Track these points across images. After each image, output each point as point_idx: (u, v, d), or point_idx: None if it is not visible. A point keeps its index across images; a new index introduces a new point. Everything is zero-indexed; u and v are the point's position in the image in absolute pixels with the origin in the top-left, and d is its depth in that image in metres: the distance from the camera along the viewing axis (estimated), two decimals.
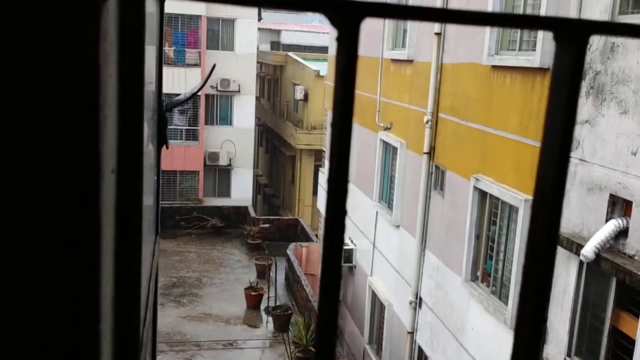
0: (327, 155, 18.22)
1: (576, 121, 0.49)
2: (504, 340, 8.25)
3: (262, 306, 18.25)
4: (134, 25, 0.69)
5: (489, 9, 8.74)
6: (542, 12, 7.51)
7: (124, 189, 0.69)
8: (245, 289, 18.41)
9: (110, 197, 0.63)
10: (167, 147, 1.78)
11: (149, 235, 1.50)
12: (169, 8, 26.68)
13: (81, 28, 0.47)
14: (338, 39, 0.40)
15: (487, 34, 8.78)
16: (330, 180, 0.43)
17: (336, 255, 0.43)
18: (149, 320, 1.40)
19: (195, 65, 25.96)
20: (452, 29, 10.16)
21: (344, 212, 0.44)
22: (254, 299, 18.19)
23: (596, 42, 6.63)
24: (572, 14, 6.95)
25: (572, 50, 0.45)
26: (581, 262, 6.68)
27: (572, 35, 0.45)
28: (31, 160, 0.48)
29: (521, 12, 8.27)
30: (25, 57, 0.47)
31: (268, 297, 18.07)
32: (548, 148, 0.46)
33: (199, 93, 25.79)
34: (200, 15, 25.89)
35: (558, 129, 0.46)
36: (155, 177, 1.75)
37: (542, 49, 7.49)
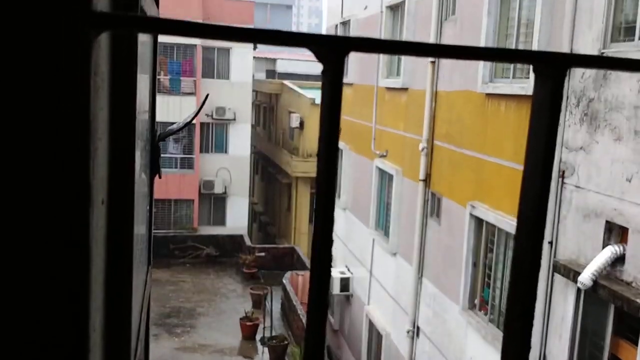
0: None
1: (556, 148, 0.48)
2: None
3: (258, 337, 18.04)
4: (126, 60, 0.68)
5: (482, 37, 8.84)
6: (535, 40, 7.60)
7: (115, 220, 0.68)
8: (240, 319, 18.21)
9: (101, 227, 0.62)
10: (159, 177, 1.76)
11: (141, 266, 1.48)
12: (164, 37, 27.04)
13: (72, 63, 0.47)
14: (323, 72, 0.40)
15: (481, 62, 8.87)
16: (317, 212, 0.42)
17: (323, 288, 0.42)
18: (140, 351, 1.36)
19: (191, 93, 26.09)
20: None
21: (330, 240, 0.43)
22: (249, 330, 17.98)
23: (589, 69, 6.69)
24: (565, 41, 7.03)
25: (550, 83, 0.45)
26: (579, 290, 6.64)
27: (551, 68, 0.45)
28: (21, 191, 0.47)
29: (514, 39, 8.37)
30: (17, 90, 0.47)
31: (264, 327, 17.87)
32: (529, 177, 0.46)
33: (194, 121, 25.88)
34: (196, 45, 26.13)
35: (539, 159, 0.46)
36: (148, 207, 1.73)
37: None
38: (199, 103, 25.90)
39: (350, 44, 0.42)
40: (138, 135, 1.38)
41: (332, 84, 0.41)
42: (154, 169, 1.69)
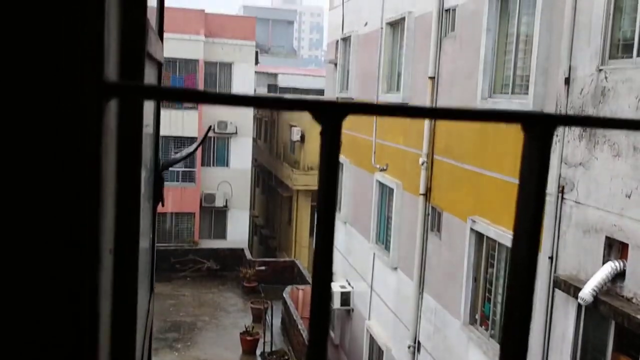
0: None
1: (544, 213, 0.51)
2: None
3: (258, 351, 17.96)
4: (133, 121, 0.72)
5: (482, 54, 8.90)
6: (534, 56, 7.65)
7: (121, 265, 0.70)
8: (240, 333, 18.15)
9: (108, 277, 0.64)
10: (162, 205, 1.80)
11: (144, 294, 1.50)
12: (166, 53, 27.07)
13: (84, 129, 0.50)
14: (321, 133, 0.43)
15: (480, 77, 8.93)
16: (314, 270, 0.45)
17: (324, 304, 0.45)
18: None
19: (193, 108, 26.19)
20: (446, 73, 10.32)
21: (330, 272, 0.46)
22: (249, 344, 17.91)
23: (587, 85, 6.74)
24: (563, 58, 7.09)
25: (538, 142, 0.48)
26: (579, 305, 6.64)
27: (539, 128, 0.48)
28: (37, 247, 0.50)
29: (513, 55, 8.43)
30: (32, 148, 0.50)
31: (264, 342, 17.80)
32: (519, 233, 0.49)
33: (195, 135, 25.96)
34: (198, 60, 26.27)
35: (527, 219, 0.48)
36: (151, 236, 1.76)
37: (534, 93, 7.60)
38: (201, 117, 26.01)
39: (348, 108, 0.45)
40: (143, 165, 1.41)
41: (330, 145, 0.44)
42: (157, 197, 1.72)
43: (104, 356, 0.65)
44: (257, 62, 28.61)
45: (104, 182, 0.54)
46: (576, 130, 6.89)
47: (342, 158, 15.68)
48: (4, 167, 0.50)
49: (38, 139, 0.49)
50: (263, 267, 23.58)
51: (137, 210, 0.78)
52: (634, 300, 6.00)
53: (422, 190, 10.84)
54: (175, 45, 25.20)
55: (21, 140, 0.50)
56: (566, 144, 7.06)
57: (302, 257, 26.02)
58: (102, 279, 0.56)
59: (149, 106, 1.49)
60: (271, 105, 0.43)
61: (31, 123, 0.49)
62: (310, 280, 21.70)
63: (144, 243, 1.43)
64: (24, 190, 0.51)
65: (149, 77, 1.29)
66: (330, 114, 0.44)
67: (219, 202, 27.13)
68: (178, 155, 2.88)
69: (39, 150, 0.50)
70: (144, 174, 1.36)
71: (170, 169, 26.57)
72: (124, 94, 0.46)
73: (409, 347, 11.16)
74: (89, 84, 0.49)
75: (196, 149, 2.81)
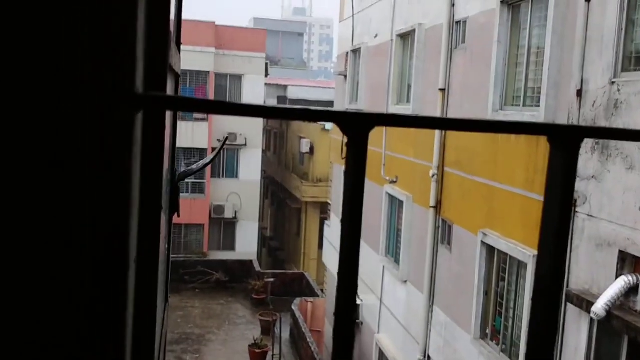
0: (332, 212, 18.05)
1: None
2: None
3: None
4: (156, 132, 0.72)
5: (492, 66, 8.88)
6: (545, 68, 7.63)
7: (142, 277, 0.70)
8: (249, 346, 18.09)
9: (132, 284, 0.64)
10: (178, 216, 1.79)
11: (160, 304, 1.49)
12: None
13: (116, 140, 0.51)
14: (348, 145, 0.43)
15: (491, 89, 8.90)
16: (340, 276, 0.44)
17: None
18: None
19: (203, 120, 26.32)
20: (456, 85, 10.31)
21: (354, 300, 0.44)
22: (258, 357, 17.84)
23: (599, 98, 6.70)
24: (575, 70, 7.06)
25: (564, 154, 0.47)
26: (592, 320, 6.56)
27: (565, 140, 0.47)
28: (69, 256, 0.50)
29: (524, 67, 8.40)
30: (65, 160, 0.51)
31: (273, 355, 17.72)
32: (544, 246, 0.47)
33: (206, 146, 26.06)
34: (209, 72, 26.43)
35: (552, 232, 0.47)
36: (167, 245, 1.75)
37: (546, 105, 7.57)
38: (212, 129, 26.12)
39: (375, 119, 0.44)
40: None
41: (356, 156, 0.43)
42: (173, 207, 1.71)
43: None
44: (267, 74, 28.75)
45: (133, 193, 0.54)
46: (589, 143, 6.85)
47: None
48: (41, 178, 0.51)
49: (71, 150, 0.51)
50: (272, 279, 23.54)
51: (157, 220, 0.78)
52: None
53: (432, 202, 10.79)
54: (186, 57, 25.33)
55: (54, 151, 0.51)
56: (579, 156, 7.01)
57: (311, 269, 25.95)
58: (129, 287, 0.56)
59: (167, 118, 1.49)
60: (298, 117, 0.42)
61: (66, 133, 0.50)
62: (318, 292, 21.62)
63: (161, 254, 1.42)
64: (60, 202, 0.51)
65: (169, 88, 1.29)
66: (357, 125, 0.43)
67: (228, 214, 27.17)
68: (194, 166, 2.89)
69: (73, 161, 0.51)
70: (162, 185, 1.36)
71: None
72: (153, 105, 0.46)
73: None
74: (122, 96, 0.50)
75: (213, 159, 2.81)
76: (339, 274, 0.45)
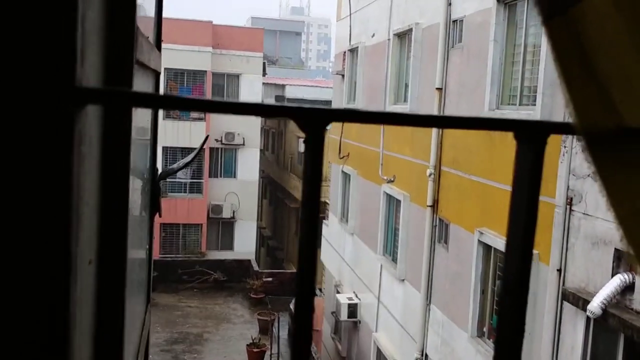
0: (330, 211, 18.04)
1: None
2: None
3: None
4: (120, 129, 0.70)
5: (489, 65, 8.89)
6: (542, 67, 7.63)
7: (105, 278, 0.69)
8: (247, 345, 18.09)
9: (88, 286, 0.63)
10: (160, 216, 1.79)
11: (138, 306, 1.49)
12: (175, 64, 27.03)
13: (54, 138, 0.49)
14: (305, 141, 0.42)
15: (488, 88, 8.91)
16: (299, 265, 0.44)
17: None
18: None
19: (200, 119, 26.30)
20: (453, 84, 10.31)
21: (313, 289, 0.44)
22: (256, 356, 17.85)
23: None
24: None
25: (531, 150, 0.47)
26: (588, 318, 6.57)
27: (531, 136, 0.47)
28: (4, 255, 0.49)
29: (520, 66, 8.41)
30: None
31: (271, 354, 17.74)
32: (512, 241, 0.48)
33: (204, 146, 26.03)
34: (206, 71, 26.41)
35: (519, 227, 0.47)
36: (148, 246, 1.75)
37: (542, 104, 7.57)
38: (209, 128, 26.10)
39: (330, 115, 0.44)
40: (139, 175, 1.40)
41: (313, 153, 0.43)
42: (154, 208, 1.71)
43: None
44: (264, 74, 28.73)
45: (80, 190, 0.53)
46: (586, 161, 6.85)
47: (350, 169, 15.67)
48: None
49: (2, 143, 0.48)
50: (270, 279, 23.54)
51: (124, 221, 0.77)
52: None
53: (429, 202, 10.80)
54: (183, 57, 25.37)
55: None
56: (574, 155, 7.02)
57: None
58: (79, 289, 0.54)
59: (145, 116, 1.48)
60: (252, 112, 0.42)
61: None
62: (317, 292, 21.63)
63: (139, 253, 1.42)
64: None
65: (144, 85, 1.28)
66: (313, 121, 0.43)
67: (226, 213, 27.15)
68: (175, 166, 2.89)
69: (5, 155, 0.49)
70: (140, 184, 1.35)
71: (178, 180, 26.67)
72: (98, 100, 0.45)
73: None
74: (58, 89, 0.48)
75: (193, 158, 2.81)
76: (297, 271, 0.45)
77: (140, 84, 1.20)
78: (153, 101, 0.40)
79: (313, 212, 0.43)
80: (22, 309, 0.50)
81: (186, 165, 2.89)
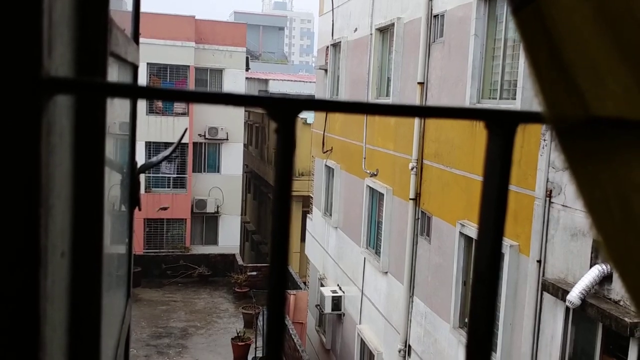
0: (314, 206, 18.02)
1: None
2: None
3: (250, 356, 17.91)
4: (93, 120, 0.71)
5: (470, 59, 8.96)
6: (521, 61, 7.71)
7: (80, 271, 0.70)
8: (232, 339, 18.10)
9: (61, 279, 0.64)
10: (139, 209, 1.80)
11: (118, 300, 1.50)
12: (157, 58, 26.78)
13: (20, 129, 0.49)
14: (276, 131, 0.44)
15: (469, 82, 8.98)
16: (271, 271, 0.45)
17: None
18: None
19: (183, 114, 26.16)
20: (434, 78, 10.38)
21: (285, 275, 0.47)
22: (241, 350, 17.86)
23: None
24: None
25: (501, 139, 0.48)
26: (567, 308, 6.67)
27: (501, 125, 0.48)
28: None
29: (501, 60, 8.48)
30: None
31: (255, 347, 17.76)
32: (483, 235, 0.49)
33: (187, 141, 25.91)
34: (189, 66, 26.25)
35: (490, 216, 0.48)
36: (127, 240, 1.76)
37: (522, 98, 7.66)
38: (192, 123, 25.97)
39: (301, 104, 0.46)
40: (118, 168, 1.42)
41: (285, 142, 0.45)
42: (134, 201, 1.72)
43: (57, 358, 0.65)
44: (247, 68, 28.62)
45: (50, 182, 0.53)
46: (556, 150, 6.94)
47: (333, 163, 15.70)
48: None
49: None
50: (254, 273, 23.53)
51: (99, 213, 0.77)
52: (621, 303, 6.04)
53: (411, 195, 10.87)
54: (165, 51, 25.19)
55: None
56: (554, 147, 7.11)
57: (293, 262, 25.96)
58: (51, 282, 0.55)
59: (123, 109, 1.49)
60: (224, 101, 0.43)
61: None
62: (301, 285, 21.67)
63: (118, 247, 1.43)
64: None
65: (121, 78, 1.29)
66: (284, 110, 0.44)
67: (210, 208, 27.07)
68: (154, 159, 2.90)
69: None
70: (118, 177, 1.37)
71: (162, 175, 26.51)
72: (66, 89, 0.45)
73: (399, 351, 11.17)
74: (23, 79, 0.48)
75: (173, 151, 2.82)
76: (270, 261, 0.47)
77: (117, 77, 1.21)
78: (121, 91, 0.42)
79: (285, 201, 0.44)
80: None
81: (166, 158, 2.89)
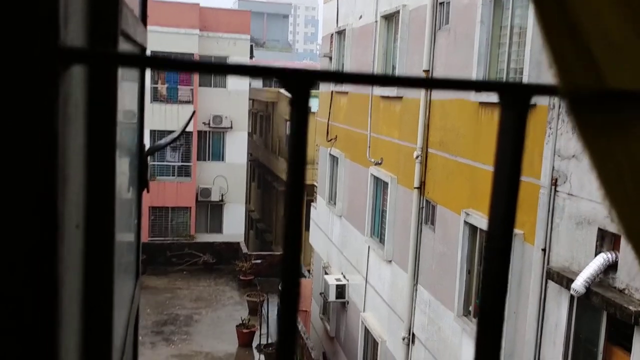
0: (318, 194, 18.05)
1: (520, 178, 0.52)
2: None
3: (254, 344, 18.02)
4: (105, 89, 0.71)
5: (475, 46, 8.90)
6: (527, 48, 7.67)
7: (93, 243, 0.70)
8: (237, 326, 18.20)
9: (76, 251, 0.64)
10: (147, 191, 1.80)
11: (128, 280, 1.51)
12: (161, 47, 26.76)
13: (38, 99, 0.49)
14: (290, 103, 0.44)
15: (475, 69, 8.93)
16: (285, 234, 0.45)
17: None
18: None
19: (188, 102, 26.14)
20: (440, 65, 10.33)
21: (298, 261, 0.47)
22: (245, 337, 17.96)
23: None
24: None
25: (515, 112, 0.47)
26: (572, 297, 6.68)
27: (515, 98, 0.47)
28: None
29: (507, 47, 8.43)
30: None
31: (260, 335, 17.85)
32: (495, 208, 0.49)
33: (191, 130, 25.92)
34: (193, 54, 26.20)
35: (503, 188, 0.48)
36: (136, 220, 1.76)
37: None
38: (197, 111, 25.96)
39: (316, 75, 0.45)
40: (127, 149, 1.42)
41: (299, 114, 0.44)
42: (142, 183, 1.72)
43: (72, 330, 0.66)
44: (252, 56, 28.57)
45: (67, 153, 0.54)
46: (569, 123, 6.92)
47: (337, 152, 15.68)
48: None
49: None
50: (259, 261, 23.61)
51: (111, 186, 0.78)
52: (625, 292, 6.04)
53: (416, 183, 10.86)
54: (169, 39, 25.14)
55: None
56: (559, 136, 7.08)
57: None
58: (66, 250, 0.56)
59: (132, 92, 1.49)
60: (237, 72, 0.43)
61: None
62: (305, 273, 21.74)
63: (128, 228, 1.43)
64: None
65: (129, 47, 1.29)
66: (299, 82, 0.44)
67: (214, 197, 27.12)
68: (163, 141, 2.90)
69: None
70: (127, 159, 1.37)
71: (166, 163, 26.55)
72: (83, 59, 0.46)
73: (403, 339, 11.21)
74: (41, 48, 0.48)
75: (181, 133, 2.82)
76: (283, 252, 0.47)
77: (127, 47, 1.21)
78: (137, 61, 0.42)
79: (298, 179, 0.44)
80: (9, 267, 0.51)
81: (173, 140, 2.91)
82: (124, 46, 1.07)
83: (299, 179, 0.46)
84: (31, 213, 0.50)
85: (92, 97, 0.67)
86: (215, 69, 0.43)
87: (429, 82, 0.52)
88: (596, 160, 0.49)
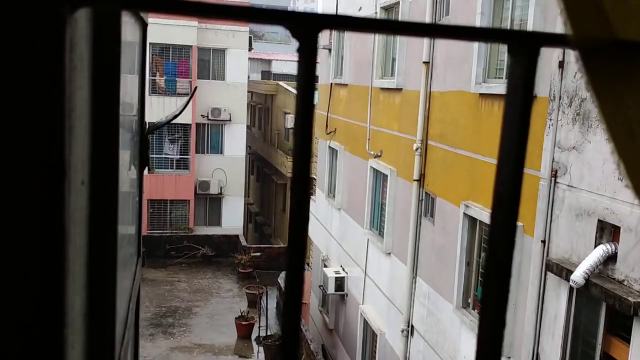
0: (317, 187, 18.04)
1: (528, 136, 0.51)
2: None
3: (253, 336, 18.05)
4: (108, 40, 0.70)
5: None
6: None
7: (97, 201, 0.69)
8: (236, 318, 18.23)
9: (81, 207, 0.63)
10: (149, 171, 1.79)
11: (130, 255, 1.50)
12: (160, 38, 26.69)
13: (44, 40, 0.48)
14: (298, 50, 0.42)
15: (475, 62, 8.91)
16: (293, 189, 0.44)
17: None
18: (129, 340, 1.38)
19: (187, 94, 26.07)
20: (440, 58, 10.30)
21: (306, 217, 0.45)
22: (244, 329, 18.00)
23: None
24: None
25: (524, 61, 0.47)
26: (571, 288, 6.68)
27: (524, 47, 0.47)
28: None
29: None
30: None
31: (259, 327, 17.89)
32: (504, 160, 0.48)
33: (190, 122, 25.87)
34: (192, 46, 26.12)
35: (513, 141, 0.47)
36: (138, 198, 1.75)
37: None
38: (195, 104, 25.91)
39: (324, 21, 0.44)
40: (128, 127, 1.41)
41: (306, 60, 0.43)
42: (144, 161, 1.71)
43: (79, 281, 0.65)
44: (250, 48, 28.48)
45: (72, 100, 0.53)
46: (570, 114, 6.90)
47: (337, 145, 15.67)
48: None
49: None
50: (258, 254, 23.63)
51: (115, 140, 0.77)
52: (625, 283, 6.05)
53: (416, 176, 10.85)
54: (168, 31, 25.05)
55: None
56: (559, 127, 7.07)
57: None
58: (73, 204, 0.55)
59: (132, 78, 1.48)
60: (243, 16, 0.42)
61: None
62: (305, 266, 21.84)
63: (130, 204, 1.43)
64: None
65: (132, 33, 1.28)
66: (306, 26, 0.42)
67: (213, 189, 27.11)
68: (164, 119, 2.89)
69: None
70: (129, 136, 1.36)
71: (164, 156, 26.51)
72: (87, 1, 0.44)
73: (402, 331, 11.23)
74: None
75: (182, 110, 2.81)
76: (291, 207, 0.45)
77: (131, 33, 1.20)
78: (142, 3, 0.40)
79: (307, 126, 0.43)
80: (17, 216, 0.50)
81: (175, 117, 2.90)
82: (126, 20, 1.06)
83: (307, 129, 0.45)
84: (39, 160, 0.49)
85: (97, 45, 0.66)
86: (219, 12, 0.41)
87: (435, 28, 0.51)
88: (605, 111, 0.49)
